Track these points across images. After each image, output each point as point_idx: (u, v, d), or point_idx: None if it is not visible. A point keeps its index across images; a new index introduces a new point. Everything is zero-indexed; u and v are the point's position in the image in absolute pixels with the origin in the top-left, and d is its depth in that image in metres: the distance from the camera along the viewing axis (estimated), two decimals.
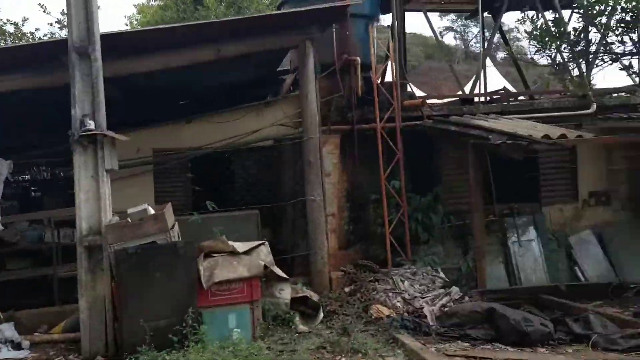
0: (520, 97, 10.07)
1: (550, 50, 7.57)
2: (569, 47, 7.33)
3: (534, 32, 7.60)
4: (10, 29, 14.99)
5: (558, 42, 7.27)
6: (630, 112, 8.21)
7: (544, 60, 8.72)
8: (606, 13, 6.85)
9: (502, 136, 7.34)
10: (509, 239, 9.00)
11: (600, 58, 7.54)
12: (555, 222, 9.16)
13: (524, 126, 7.80)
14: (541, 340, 6.15)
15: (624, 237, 8.92)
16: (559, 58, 7.77)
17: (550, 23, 7.25)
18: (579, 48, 7.34)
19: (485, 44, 11.24)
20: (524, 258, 8.88)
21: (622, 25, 7.17)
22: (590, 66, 8.50)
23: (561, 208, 9.19)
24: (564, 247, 9.02)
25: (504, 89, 10.12)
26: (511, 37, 20.48)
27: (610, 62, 7.41)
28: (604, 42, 7.38)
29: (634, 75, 7.56)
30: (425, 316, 6.47)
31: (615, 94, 9.38)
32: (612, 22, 7.04)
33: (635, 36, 7.14)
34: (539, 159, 9.27)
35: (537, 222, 9.09)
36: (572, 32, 7.27)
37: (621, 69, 7.36)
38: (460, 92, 10.54)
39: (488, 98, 9.94)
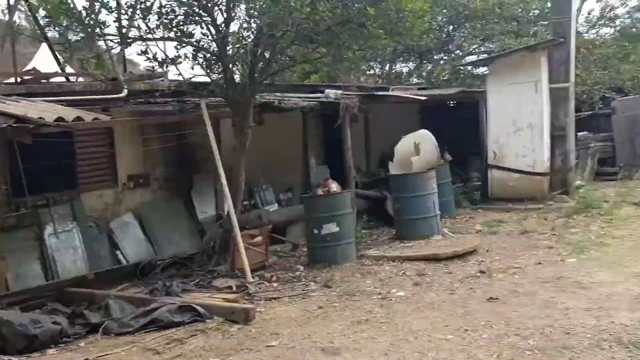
0: (55, 79, 9.37)
1: (62, 28, 7.10)
2: (81, 27, 6.98)
3: (48, 7, 6.99)
4: None
5: (68, 20, 6.83)
6: (151, 97, 8.58)
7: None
8: None
9: (9, 119, 6.52)
10: (45, 232, 8.32)
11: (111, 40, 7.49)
12: (95, 208, 8.92)
13: (39, 109, 7.13)
14: (53, 340, 5.71)
15: (161, 216, 9.39)
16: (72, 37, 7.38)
17: None
18: (91, 29, 7.08)
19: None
20: (62, 250, 8.35)
21: (139, 11, 7.25)
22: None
23: (101, 194, 9.00)
24: (106, 233, 8.91)
25: (34, 69, 9.20)
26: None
27: (125, 47, 7.45)
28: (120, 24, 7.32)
29: (152, 61, 7.76)
30: None
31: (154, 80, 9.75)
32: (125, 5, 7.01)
33: (149, 23, 7.32)
34: (75, 144, 8.81)
35: (76, 210, 8.66)
36: (84, 11, 6.94)
37: (139, 54, 7.50)
38: None
39: (19, 79, 8.91)
